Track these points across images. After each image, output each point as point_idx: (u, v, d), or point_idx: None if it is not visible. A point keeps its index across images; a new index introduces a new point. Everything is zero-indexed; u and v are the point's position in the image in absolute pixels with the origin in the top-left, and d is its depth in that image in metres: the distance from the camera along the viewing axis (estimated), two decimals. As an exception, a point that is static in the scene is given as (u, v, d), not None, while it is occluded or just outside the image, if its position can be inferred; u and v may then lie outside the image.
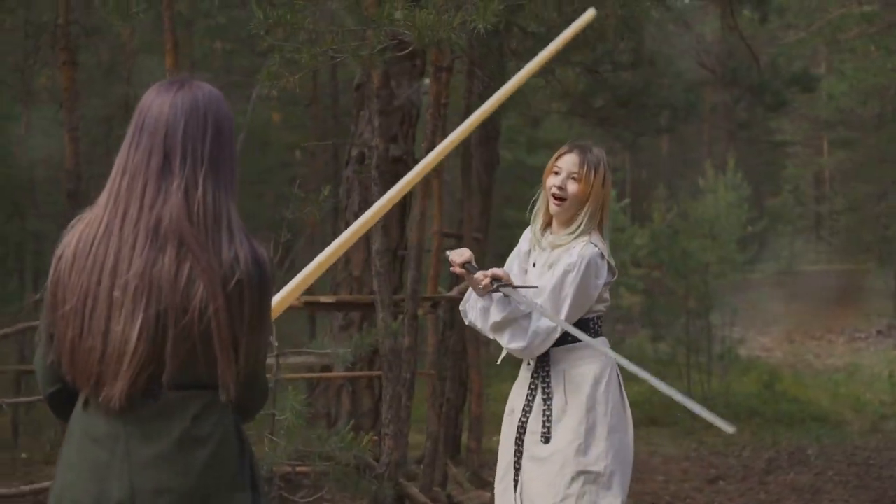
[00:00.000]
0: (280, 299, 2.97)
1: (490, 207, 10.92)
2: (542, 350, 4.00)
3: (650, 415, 13.97)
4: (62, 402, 2.50)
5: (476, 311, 4.07)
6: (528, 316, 3.96)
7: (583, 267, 3.96)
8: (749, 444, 12.08)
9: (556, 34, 3.60)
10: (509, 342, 3.98)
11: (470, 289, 4.12)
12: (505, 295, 3.95)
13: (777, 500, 9.05)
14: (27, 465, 10.11)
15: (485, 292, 3.95)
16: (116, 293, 2.33)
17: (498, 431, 4.29)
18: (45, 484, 7.00)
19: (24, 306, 10.93)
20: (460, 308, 4.25)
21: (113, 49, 15.88)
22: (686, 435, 12.88)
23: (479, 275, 3.92)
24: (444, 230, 9.47)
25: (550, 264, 4.07)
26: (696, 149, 33.62)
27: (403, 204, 9.51)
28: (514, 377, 4.24)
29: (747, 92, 14.57)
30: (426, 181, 7.62)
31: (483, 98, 9.79)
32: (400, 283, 9.15)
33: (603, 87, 11.26)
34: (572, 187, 4.07)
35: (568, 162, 4.10)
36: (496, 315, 3.97)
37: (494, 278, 3.92)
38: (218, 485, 2.38)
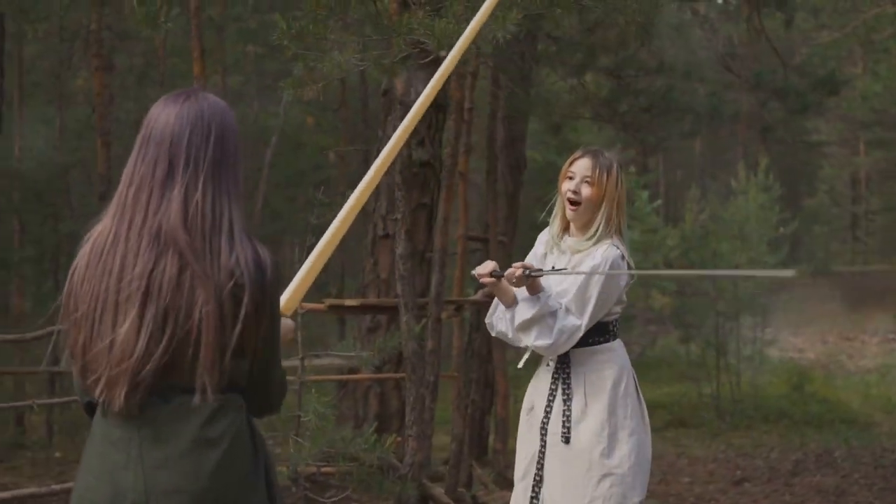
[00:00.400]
0: (289, 294, 2.98)
1: (517, 210, 10.94)
2: (567, 348, 4.09)
3: (678, 416, 13.98)
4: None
5: (505, 321, 4.16)
6: (554, 314, 4.04)
7: (606, 268, 4.05)
8: (777, 446, 12.05)
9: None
10: (536, 339, 4.06)
11: (496, 300, 4.21)
12: (535, 284, 4.03)
13: (801, 503, 9.05)
14: (61, 465, 10.26)
15: (519, 284, 4.01)
16: (120, 294, 2.39)
17: (524, 434, 4.37)
18: (76, 483, 7.11)
19: (56, 307, 11.09)
20: (486, 321, 4.34)
21: (146, 53, 16.07)
22: (713, 437, 12.87)
23: (508, 271, 4.00)
24: (469, 233, 9.52)
25: (573, 267, 4.16)
26: (730, 150, 33.47)
27: (431, 207, 9.58)
28: (537, 378, 4.33)
29: (773, 95, 14.50)
30: (450, 185, 7.70)
31: (509, 102, 9.90)
32: (427, 285, 9.19)
33: (626, 92, 11.29)
34: (586, 191, 4.15)
35: (581, 166, 4.19)
36: (524, 313, 4.05)
37: (525, 267, 4.01)
38: (230, 485, 2.43)
